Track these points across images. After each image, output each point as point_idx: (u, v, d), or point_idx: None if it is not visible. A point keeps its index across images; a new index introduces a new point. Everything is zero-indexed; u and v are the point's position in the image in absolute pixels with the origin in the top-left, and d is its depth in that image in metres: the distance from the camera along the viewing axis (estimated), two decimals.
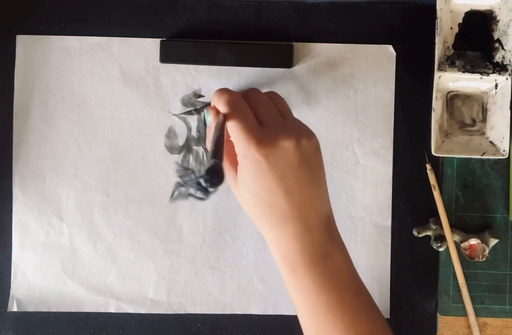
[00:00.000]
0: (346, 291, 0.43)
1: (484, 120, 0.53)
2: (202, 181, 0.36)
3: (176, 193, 0.37)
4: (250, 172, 0.41)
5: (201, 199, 0.37)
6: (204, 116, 0.44)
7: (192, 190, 0.36)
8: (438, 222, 0.53)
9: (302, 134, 0.43)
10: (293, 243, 0.42)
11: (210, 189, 0.36)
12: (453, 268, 0.53)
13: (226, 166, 0.44)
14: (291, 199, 0.41)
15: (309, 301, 0.42)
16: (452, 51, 0.52)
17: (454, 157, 0.53)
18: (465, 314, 0.53)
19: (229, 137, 0.43)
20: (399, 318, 0.53)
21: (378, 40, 0.54)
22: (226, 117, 0.42)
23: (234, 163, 0.43)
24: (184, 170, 0.36)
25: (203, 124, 0.54)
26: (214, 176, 0.36)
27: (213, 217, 0.53)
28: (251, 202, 0.43)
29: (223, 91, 0.43)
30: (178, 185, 0.37)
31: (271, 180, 0.41)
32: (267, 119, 0.42)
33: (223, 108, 0.42)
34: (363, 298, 0.44)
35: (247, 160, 0.41)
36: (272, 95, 0.45)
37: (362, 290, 0.44)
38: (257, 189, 0.42)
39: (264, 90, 0.53)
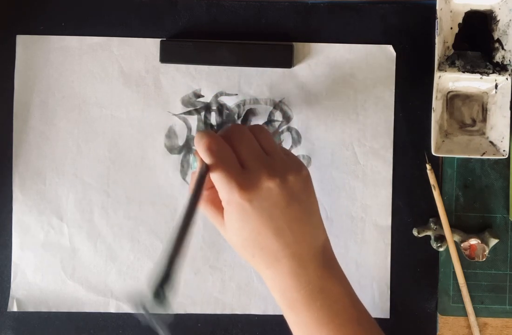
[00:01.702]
0: (348, 321, 0.42)
1: (484, 120, 0.53)
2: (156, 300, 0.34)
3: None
4: (236, 218, 0.40)
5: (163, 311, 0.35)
6: (193, 160, 0.43)
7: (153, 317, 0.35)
8: (438, 222, 0.53)
9: (288, 170, 0.41)
10: (288, 281, 0.42)
11: (165, 301, 0.35)
12: (453, 268, 0.53)
13: (211, 211, 0.43)
14: (281, 239, 0.41)
15: None
16: (452, 51, 0.52)
17: (454, 157, 0.53)
18: (465, 314, 0.53)
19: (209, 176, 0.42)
20: (399, 318, 0.53)
21: (378, 40, 0.54)
22: (207, 165, 0.40)
23: (220, 208, 0.42)
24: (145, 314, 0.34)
25: (203, 124, 0.54)
26: (164, 291, 0.35)
27: None
28: (242, 245, 0.42)
29: (203, 135, 0.41)
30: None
31: (259, 223, 0.40)
32: (249, 159, 0.41)
33: (203, 155, 0.41)
34: (366, 325, 0.43)
35: (231, 206, 0.40)
36: (255, 129, 0.43)
37: (364, 315, 0.44)
38: (246, 233, 0.41)
39: (264, 90, 0.53)
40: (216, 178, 0.40)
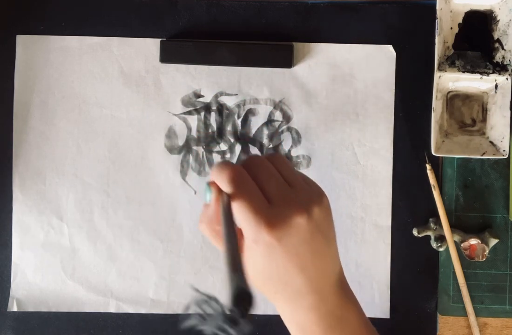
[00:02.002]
0: None
1: (484, 120, 0.53)
2: (232, 313, 0.30)
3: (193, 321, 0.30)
4: (262, 256, 0.38)
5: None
6: (206, 192, 0.40)
7: (218, 328, 0.29)
8: (438, 222, 0.53)
9: (313, 201, 0.39)
10: (308, 314, 0.41)
11: (242, 320, 0.30)
12: (453, 268, 0.53)
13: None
14: (305, 274, 0.39)
15: None
16: (452, 51, 0.52)
17: (454, 157, 0.53)
18: (465, 314, 0.53)
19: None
20: (399, 318, 0.53)
21: (378, 40, 0.53)
22: (230, 197, 0.37)
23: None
24: (206, 300, 0.30)
25: (203, 124, 0.54)
26: (244, 302, 0.30)
27: None
28: (264, 283, 0.40)
29: (224, 166, 0.39)
30: (199, 319, 0.30)
31: (285, 260, 0.38)
32: (274, 193, 0.38)
33: (226, 187, 0.38)
34: None
35: (258, 244, 0.38)
36: (275, 160, 0.41)
37: None
38: (271, 271, 0.39)
39: (264, 90, 0.53)
40: (241, 212, 0.37)
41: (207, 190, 0.40)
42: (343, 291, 0.42)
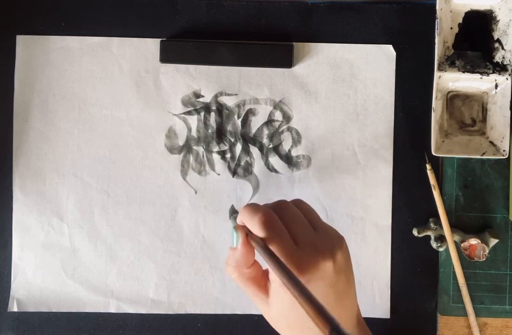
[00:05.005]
0: None
1: (484, 120, 0.53)
2: None
3: None
4: (288, 300, 0.38)
5: None
6: (232, 235, 0.41)
7: None
8: (438, 222, 0.53)
9: (336, 245, 0.40)
10: None
11: None
12: (453, 268, 0.53)
13: (252, 289, 0.41)
14: None
15: None
16: (452, 51, 0.52)
17: (454, 157, 0.53)
18: (465, 314, 0.53)
19: (252, 254, 0.40)
20: (399, 318, 0.53)
21: (378, 40, 0.54)
22: (263, 240, 0.38)
23: (261, 285, 0.41)
24: None
25: (203, 124, 0.54)
26: None
27: (213, 217, 0.54)
28: (288, 326, 0.41)
29: (256, 209, 0.40)
30: None
31: None
32: (301, 236, 0.39)
33: (259, 231, 0.39)
34: None
35: (284, 288, 0.37)
36: (300, 205, 0.43)
37: None
38: (296, 315, 0.39)
39: (264, 90, 0.53)
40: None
41: (234, 234, 0.40)
42: (359, 329, 0.43)
